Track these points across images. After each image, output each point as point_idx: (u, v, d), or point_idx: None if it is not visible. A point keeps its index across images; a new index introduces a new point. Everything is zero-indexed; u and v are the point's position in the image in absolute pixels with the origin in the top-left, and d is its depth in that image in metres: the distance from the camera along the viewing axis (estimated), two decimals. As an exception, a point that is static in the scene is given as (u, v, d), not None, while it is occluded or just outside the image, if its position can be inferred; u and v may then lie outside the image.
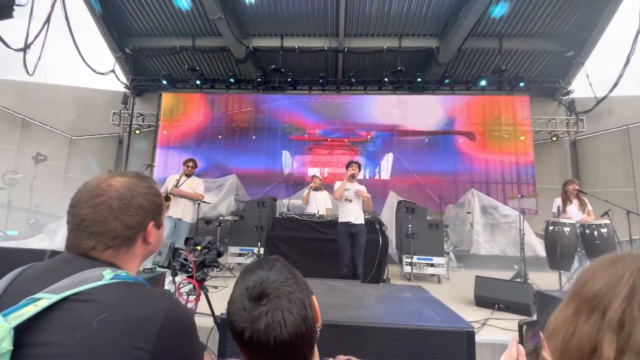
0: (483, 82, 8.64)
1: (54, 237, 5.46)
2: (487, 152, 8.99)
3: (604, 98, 7.90)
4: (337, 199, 4.12)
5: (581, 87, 8.68)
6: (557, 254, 3.81)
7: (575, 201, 4.25)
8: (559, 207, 4.20)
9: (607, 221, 3.90)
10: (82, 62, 6.88)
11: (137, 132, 9.75)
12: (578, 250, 3.95)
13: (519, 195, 4.93)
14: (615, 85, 7.31)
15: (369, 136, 9.34)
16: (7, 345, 0.53)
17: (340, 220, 4.07)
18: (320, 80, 9.01)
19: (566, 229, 3.92)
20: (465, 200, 7.41)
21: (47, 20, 4.84)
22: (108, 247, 0.71)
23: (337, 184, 4.16)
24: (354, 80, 8.94)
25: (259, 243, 5.18)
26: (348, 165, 4.10)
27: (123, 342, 0.59)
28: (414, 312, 1.77)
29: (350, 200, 4.04)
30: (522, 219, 4.60)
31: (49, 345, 0.57)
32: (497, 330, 2.90)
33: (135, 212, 0.75)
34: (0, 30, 4.28)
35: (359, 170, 4.15)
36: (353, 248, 3.94)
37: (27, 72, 4.89)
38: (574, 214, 4.19)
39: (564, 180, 4.57)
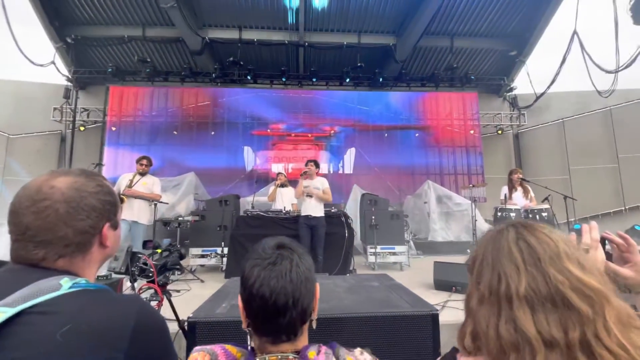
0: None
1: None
2: (441, 146, 9.54)
3: (542, 94, 8.72)
4: (298, 197, 4.50)
5: (523, 84, 9.50)
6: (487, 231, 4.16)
7: (519, 189, 4.67)
8: (505, 194, 4.59)
9: (547, 206, 4.34)
10: (19, 52, 6.14)
11: (82, 128, 8.92)
12: (523, 233, 4.34)
13: (470, 185, 5.31)
14: (553, 82, 8.09)
15: (333, 131, 9.44)
16: None
17: (302, 214, 4.44)
18: (283, 78, 8.90)
19: (512, 214, 4.30)
20: (422, 191, 7.80)
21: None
22: (60, 256, 0.65)
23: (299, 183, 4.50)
24: (315, 76, 8.94)
25: (223, 243, 5.03)
26: (306, 164, 4.49)
27: (92, 354, 0.55)
28: (383, 300, 1.84)
29: (310, 196, 4.37)
30: (473, 207, 4.94)
31: None
32: (456, 312, 3.11)
33: (87, 215, 0.67)
34: None
35: (315, 168, 4.50)
36: (313, 238, 4.29)
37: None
38: (518, 200, 4.59)
39: (509, 170, 5.00)
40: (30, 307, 0.55)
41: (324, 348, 0.72)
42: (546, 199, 4.48)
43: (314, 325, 0.77)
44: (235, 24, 8.45)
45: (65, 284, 0.60)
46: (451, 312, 3.09)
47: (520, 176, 4.67)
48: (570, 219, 4.79)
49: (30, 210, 0.63)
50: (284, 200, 5.38)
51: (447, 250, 6.69)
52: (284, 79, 9.02)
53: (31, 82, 8.97)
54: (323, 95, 9.62)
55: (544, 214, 4.26)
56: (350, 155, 9.38)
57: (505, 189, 4.71)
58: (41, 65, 7.28)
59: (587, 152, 8.78)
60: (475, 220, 4.98)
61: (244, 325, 0.73)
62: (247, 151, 9.15)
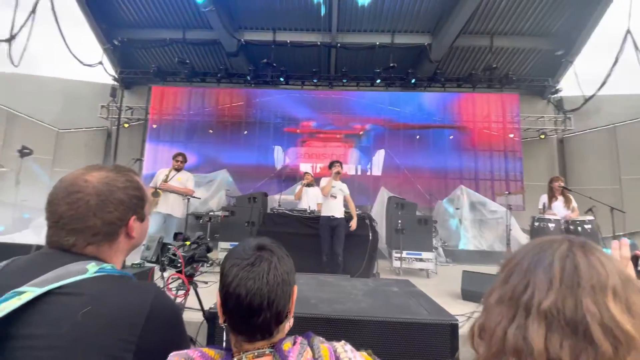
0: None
1: (41, 232, 5.34)
2: (477, 149, 9.12)
3: (592, 97, 8.05)
4: (324, 195, 4.45)
5: (570, 85, 8.84)
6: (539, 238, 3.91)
7: (560, 198, 4.36)
8: (544, 203, 4.31)
9: (591, 217, 4.02)
10: (69, 53, 6.71)
11: (126, 125, 9.57)
12: (562, 245, 4.05)
13: (507, 192, 5.03)
14: (604, 84, 7.44)
15: (363, 130, 9.37)
16: None
17: (323, 214, 4.43)
18: (314, 79, 8.96)
19: (551, 225, 4.02)
20: (455, 196, 7.51)
21: (33, 10, 4.71)
22: (88, 243, 0.71)
23: (323, 181, 4.50)
24: (346, 77, 8.91)
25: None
26: (331, 165, 4.45)
27: (108, 335, 0.59)
28: (400, 306, 1.81)
29: (335, 197, 4.38)
30: (508, 215, 4.69)
31: (34, 338, 0.57)
32: (482, 323, 2.96)
33: (115, 208, 0.73)
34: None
35: (341, 168, 4.51)
36: (333, 238, 4.28)
37: (13, 63, 4.76)
38: (559, 210, 4.29)
39: (550, 178, 4.67)
40: (58, 288, 0.61)
41: (299, 339, 0.73)
42: (590, 209, 4.15)
43: (290, 324, 0.78)
44: (270, 26, 8.65)
45: (92, 269, 0.66)
46: (477, 323, 2.96)
47: (562, 184, 4.36)
48: (618, 232, 4.39)
49: (65, 201, 0.70)
50: (310, 199, 5.43)
51: (478, 259, 6.39)
52: (315, 80, 9.08)
53: (80, 81, 9.73)
54: (353, 96, 9.58)
55: (587, 227, 3.94)
56: (379, 156, 9.25)
57: (544, 198, 4.42)
58: (90, 66, 7.89)
59: (642, 160, 8.00)
60: (510, 230, 4.72)
61: (220, 321, 0.74)
62: (277, 150, 9.33)
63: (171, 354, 0.71)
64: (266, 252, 0.73)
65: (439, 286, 4.30)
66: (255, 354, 0.69)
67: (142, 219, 0.81)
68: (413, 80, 8.90)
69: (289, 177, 8.93)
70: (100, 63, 8.56)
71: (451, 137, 9.29)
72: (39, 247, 1.94)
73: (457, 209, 7.27)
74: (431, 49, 8.51)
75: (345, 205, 4.58)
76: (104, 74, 9.09)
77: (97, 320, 0.60)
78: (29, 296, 0.58)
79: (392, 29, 8.58)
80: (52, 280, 0.61)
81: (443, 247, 6.68)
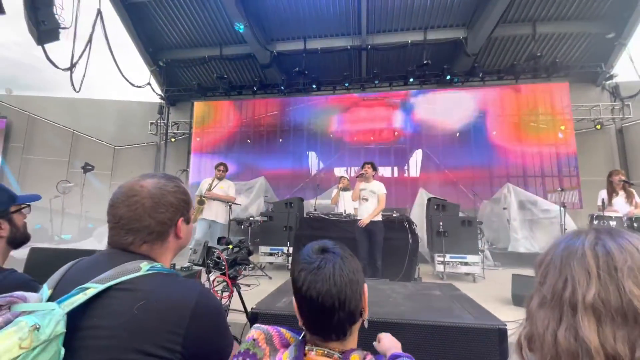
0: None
1: (102, 239, 5.94)
2: (524, 145, 8.50)
3: (651, 81, 7.22)
4: (354, 200, 4.43)
5: (625, 70, 7.97)
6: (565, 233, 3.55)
7: (621, 193, 3.93)
8: (603, 199, 3.91)
9: (659, 213, 3.58)
10: (121, 76, 7.39)
11: (173, 139, 10.30)
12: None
13: (559, 189, 4.64)
14: (664, 65, 6.65)
15: (397, 132, 9.20)
16: (61, 328, 0.62)
17: (358, 217, 4.34)
18: (346, 83, 8.97)
19: (612, 223, 3.63)
20: (501, 195, 7.06)
21: (89, 40, 5.28)
22: (144, 242, 0.79)
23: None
24: (378, 78, 8.81)
25: (288, 242, 5.29)
26: (362, 167, 4.39)
27: (159, 327, 0.66)
28: (443, 310, 1.75)
29: (367, 200, 4.27)
30: (563, 213, 4.32)
31: (97, 329, 0.65)
32: (536, 331, 2.76)
33: (166, 209, 0.82)
34: (48, 52, 4.74)
35: (372, 170, 4.36)
36: (370, 243, 4.14)
37: (74, 89, 5.35)
38: (620, 206, 3.87)
39: (609, 172, 4.24)
40: (117, 284, 0.69)
41: (369, 357, 0.73)
42: (659, 205, 3.70)
43: (366, 325, 0.79)
44: (300, 35, 8.85)
45: (145, 267, 0.73)
46: (531, 330, 2.75)
47: (623, 178, 3.92)
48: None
49: (125, 204, 0.80)
50: (346, 203, 5.42)
51: (530, 262, 5.95)
52: (346, 84, 9.09)
53: (131, 101, 10.66)
54: (386, 97, 9.44)
55: (657, 223, 3.52)
56: (416, 157, 8.99)
57: (603, 193, 4.01)
58: (139, 87, 8.62)
59: None
60: (566, 229, 4.33)
61: (300, 323, 0.78)
62: (312, 156, 9.46)
63: (254, 325, 0.81)
64: (329, 254, 0.76)
65: (486, 291, 4.07)
66: (325, 352, 0.73)
67: (188, 220, 0.89)
68: (448, 77, 8.57)
69: (324, 182, 8.98)
70: (149, 84, 9.31)
71: (494, 132, 8.78)
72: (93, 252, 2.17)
73: (505, 208, 6.83)
74: (467, 42, 8.16)
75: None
76: (152, 93, 9.90)
77: (149, 314, 0.67)
78: (93, 291, 0.66)
79: (424, 25, 8.37)
80: (111, 277, 0.69)
81: (490, 249, 6.31)
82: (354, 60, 9.23)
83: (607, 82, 8.47)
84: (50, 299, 0.69)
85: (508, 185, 6.99)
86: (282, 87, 9.35)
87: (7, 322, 0.60)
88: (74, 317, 0.64)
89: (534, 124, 8.56)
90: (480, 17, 7.61)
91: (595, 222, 3.77)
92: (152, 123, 10.30)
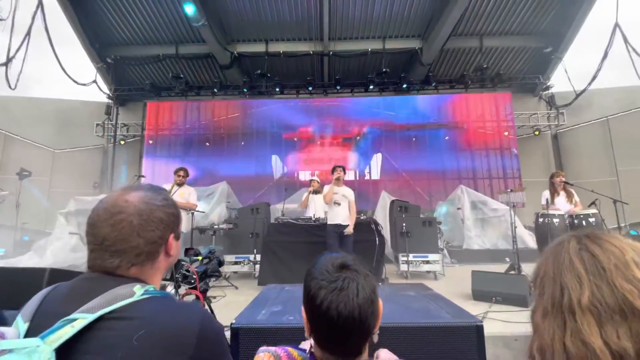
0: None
1: (43, 254, 5.27)
2: (473, 149, 9.22)
3: (583, 91, 8.22)
4: (327, 203, 4.37)
5: (560, 81, 9.01)
6: (549, 244, 3.92)
7: (562, 193, 4.39)
8: (547, 199, 4.34)
9: (594, 210, 4.05)
10: (63, 73, 6.70)
11: (122, 142, 9.54)
12: (568, 240, 4.07)
13: (509, 190, 5.06)
14: (594, 78, 7.60)
15: (360, 133, 9.43)
16: None
17: (330, 222, 4.34)
18: (309, 87, 9.02)
19: (556, 220, 4.05)
20: (455, 196, 7.55)
21: (28, 33, 4.73)
22: (132, 264, 0.70)
23: (326, 188, 4.43)
24: (339, 84, 8.99)
25: (255, 250, 5.14)
26: (333, 170, 4.37)
27: (163, 357, 0.59)
28: (421, 310, 1.80)
29: (339, 204, 4.28)
30: (512, 213, 4.72)
31: None
32: (496, 323, 2.96)
33: (156, 227, 0.73)
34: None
35: (344, 174, 4.43)
36: (342, 247, 4.16)
37: (10, 86, 4.74)
38: (562, 205, 4.32)
39: (548, 173, 4.72)
40: (109, 313, 0.60)
41: None
42: (593, 203, 4.19)
43: (375, 339, 0.77)
44: (262, 37, 8.74)
45: (138, 291, 0.65)
46: (492, 323, 2.95)
47: (563, 179, 4.39)
48: (622, 224, 4.44)
49: (108, 223, 0.69)
50: (317, 207, 5.39)
51: (483, 258, 6.41)
52: (310, 88, 9.14)
53: (74, 100, 9.70)
54: (348, 103, 9.66)
55: (592, 220, 3.97)
56: (376, 160, 9.30)
57: (546, 194, 4.45)
58: (84, 85, 7.89)
59: (637, 151, 8.12)
60: (515, 227, 4.74)
61: (307, 334, 0.75)
62: (275, 159, 9.34)
63: (261, 348, 0.75)
64: (351, 272, 0.72)
65: (448, 288, 4.29)
66: None
67: (178, 236, 0.81)
68: (405, 85, 9.00)
69: (289, 185, 8.92)
70: (94, 82, 8.56)
71: (447, 137, 9.39)
72: (53, 270, 1.91)
73: (459, 208, 7.30)
74: (422, 52, 8.64)
75: None
76: (98, 92, 9.09)
77: (151, 343, 0.59)
78: (82, 323, 0.57)
79: (383, 34, 8.71)
80: (102, 305, 0.60)
81: (447, 248, 6.68)
82: (317, 66, 9.32)
83: (544, 92, 9.49)
84: (28, 333, 0.59)
85: (461, 187, 7.49)
86: (245, 90, 9.12)
87: None
88: (62, 354, 0.55)
89: (481, 130, 9.30)
90: (434, 30, 8.11)
91: (541, 219, 4.17)
92: (98, 124, 9.46)
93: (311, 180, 5.78)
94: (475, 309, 3.31)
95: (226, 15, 8.14)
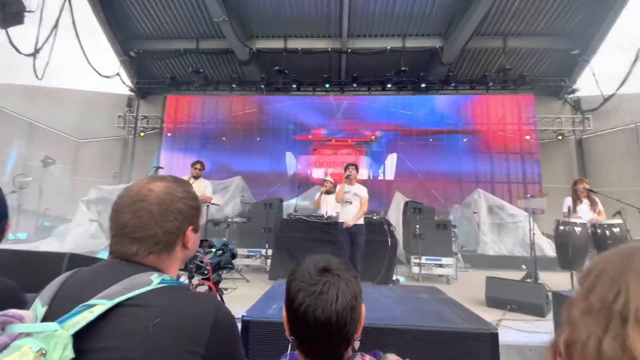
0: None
1: (63, 240, 5.48)
2: (492, 152, 8.98)
3: (611, 96, 7.86)
4: (339, 202, 4.31)
5: (587, 85, 8.65)
6: (569, 253, 3.78)
7: (585, 200, 4.21)
8: (569, 206, 4.17)
9: (619, 221, 3.87)
10: (88, 65, 6.91)
11: (142, 134, 9.78)
12: (590, 250, 3.92)
13: (528, 195, 4.91)
14: (624, 82, 7.26)
15: (374, 136, 9.34)
16: (70, 353, 0.53)
17: (341, 220, 4.25)
18: (326, 84, 8.98)
19: (577, 229, 3.89)
20: (471, 200, 7.38)
21: (55, 25, 4.89)
22: (150, 252, 0.71)
23: (338, 188, 4.36)
24: (356, 81, 8.91)
25: (267, 244, 5.18)
26: (346, 168, 4.29)
27: (177, 345, 0.59)
28: (434, 314, 1.76)
29: (350, 202, 4.20)
30: (531, 219, 4.57)
31: (110, 351, 0.57)
32: (510, 331, 2.88)
33: (175, 217, 0.73)
34: (11, 35, 4.32)
35: (357, 172, 4.33)
36: (352, 246, 4.07)
37: (37, 76, 4.92)
38: (584, 213, 4.15)
39: (571, 180, 4.55)
40: (127, 300, 0.60)
41: (367, 357, 0.70)
42: (618, 212, 4.00)
43: (357, 346, 0.75)
44: (281, 34, 8.75)
45: (155, 280, 0.65)
46: (506, 331, 2.87)
47: (587, 186, 4.21)
48: (649, 236, 4.23)
49: (130, 210, 0.71)
50: (329, 206, 5.38)
51: (498, 264, 6.25)
52: (327, 85, 9.09)
53: (98, 92, 9.99)
54: (365, 101, 9.57)
55: (616, 230, 3.79)
56: (391, 160, 9.19)
57: (568, 201, 4.28)
58: (107, 77, 8.11)
59: (667, 160, 7.73)
60: (534, 234, 4.59)
61: (287, 334, 0.73)
62: (289, 156, 9.37)
63: None
64: (333, 277, 0.69)
65: (461, 293, 4.20)
66: None
67: (197, 229, 0.81)
68: (423, 84, 8.84)
69: (302, 183, 8.95)
70: (117, 74, 8.79)
71: (465, 140, 9.18)
72: (72, 256, 1.97)
73: (475, 212, 7.14)
74: (443, 51, 8.47)
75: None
76: (121, 84, 9.33)
77: (166, 331, 0.59)
78: (101, 309, 0.58)
79: (403, 32, 8.58)
80: (120, 292, 0.61)
81: (462, 252, 6.56)
82: (334, 63, 9.27)
83: (569, 96, 9.13)
84: (45, 318, 0.60)
85: (478, 190, 7.32)
86: (262, 86, 9.17)
87: (4, 347, 0.50)
88: (79, 339, 0.56)
89: (501, 132, 9.05)
90: (455, 29, 7.93)
91: (561, 227, 4.02)
92: (119, 116, 9.72)
93: (324, 180, 5.76)
94: (488, 315, 3.21)
95: (246, 11, 8.19)
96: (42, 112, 8.86)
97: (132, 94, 9.80)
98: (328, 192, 5.52)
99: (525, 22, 8.14)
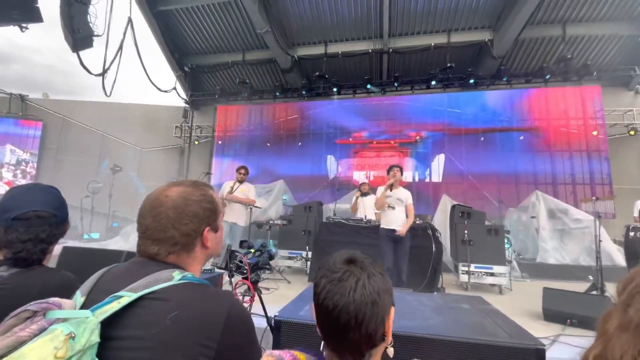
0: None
1: (128, 238, 6.15)
2: (553, 150, 8.14)
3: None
4: (378, 209, 4.10)
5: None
6: (644, 264, 3.30)
7: (664, 203, 3.66)
8: (643, 210, 3.65)
9: None
10: (149, 81, 7.65)
11: (196, 143, 10.57)
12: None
13: (594, 198, 4.39)
14: None
15: (418, 137, 9.02)
16: (96, 337, 0.60)
17: (383, 226, 4.05)
18: (368, 86, 8.88)
19: (655, 236, 3.39)
20: (529, 203, 6.78)
21: (120, 47, 5.50)
22: (169, 252, 0.78)
23: (379, 191, 4.12)
24: (398, 81, 8.67)
25: (307, 247, 5.27)
26: (389, 170, 4.08)
27: (191, 339, 0.64)
28: (474, 325, 1.66)
29: (394, 207, 3.98)
30: (597, 224, 4.07)
31: (130, 339, 0.64)
32: (569, 348, 2.59)
33: (190, 220, 0.79)
34: (82, 58, 4.97)
35: (401, 174, 4.10)
36: (396, 254, 3.89)
37: (105, 93, 5.58)
38: (664, 218, 3.60)
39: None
40: (149, 293, 0.67)
41: None
42: None
43: (391, 353, 0.73)
44: (321, 39, 8.88)
45: (176, 276, 0.72)
46: (564, 348, 2.59)
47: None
48: None
49: (150, 214, 0.79)
50: (366, 208, 5.33)
51: (560, 274, 5.66)
52: (368, 86, 8.99)
53: (157, 105, 11.03)
54: (408, 100, 9.28)
55: None
56: (438, 162, 8.77)
57: (639, 204, 3.75)
58: (165, 91, 8.90)
59: None
60: (600, 241, 4.08)
61: (318, 331, 0.74)
62: (330, 160, 9.44)
63: (266, 352, 0.75)
64: (356, 268, 0.70)
65: (514, 304, 3.89)
66: None
67: (215, 229, 0.86)
68: (472, 80, 8.34)
69: (343, 186, 8.95)
70: (174, 88, 9.59)
71: (521, 137, 8.45)
72: (129, 253, 2.20)
73: (533, 217, 6.54)
74: (493, 44, 7.93)
75: None
76: (177, 97, 10.18)
77: (181, 325, 0.65)
78: (127, 300, 0.65)
79: (448, 28, 8.21)
80: (143, 286, 0.68)
81: (517, 260, 6.04)
82: (375, 64, 9.16)
83: (642, 86, 7.99)
84: (83, 306, 0.68)
85: (537, 193, 6.71)
86: (303, 92, 9.38)
87: (42, 330, 0.59)
88: (106, 326, 0.63)
89: (564, 129, 8.18)
90: (507, 19, 7.38)
91: (632, 233, 3.52)
92: (176, 126, 10.61)
93: (361, 184, 5.71)
94: (544, 330, 2.94)
95: (287, 19, 8.46)
96: (111, 125, 10.02)
97: (187, 105, 10.64)
98: (364, 195, 5.45)
99: (586, 7, 7.30)
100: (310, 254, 5.13)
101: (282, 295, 3.98)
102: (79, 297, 0.70)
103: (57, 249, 2.33)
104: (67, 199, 1.16)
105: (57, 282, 1.01)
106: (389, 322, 0.70)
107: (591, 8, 7.34)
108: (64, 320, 0.61)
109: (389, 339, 0.71)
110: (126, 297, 0.65)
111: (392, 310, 0.71)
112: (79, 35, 4.88)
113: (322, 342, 0.74)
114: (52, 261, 1.13)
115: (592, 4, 7.26)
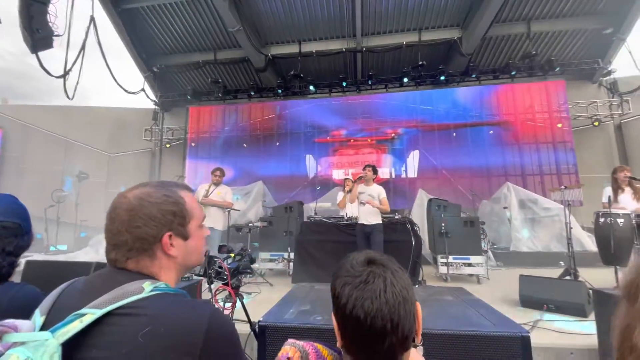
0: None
1: (98, 249, 5.81)
2: (522, 143, 8.52)
3: (651, 75, 7.25)
4: (351, 202, 4.39)
5: (624, 65, 7.99)
6: (612, 247, 3.48)
7: (627, 189, 3.88)
8: (609, 196, 3.86)
9: (668, 209, 3.54)
10: (115, 83, 7.27)
11: (168, 145, 10.17)
12: (635, 243, 3.59)
13: (563, 187, 4.60)
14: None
15: (394, 134, 9.16)
16: None
17: (358, 222, 4.32)
18: (343, 83, 8.92)
19: (620, 220, 3.59)
20: (501, 194, 7.04)
21: (83, 47, 5.18)
22: (127, 258, 0.69)
23: (353, 189, 4.41)
24: (372, 79, 8.77)
25: (289, 248, 5.19)
26: (364, 169, 4.33)
27: (168, 356, 0.57)
28: (459, 316, 1.67)
29: (364, 204, 4.22)
30: (567, 212, 4.27)
31: None
32: (549, 333, 2.69)
33: (144, 223, 0.70)
34: (42, 60, 4.63)
35: (372, 173, 4.32)
36: (369, 247, 4.01)
37: (68, 96, 5.23)
38: (627, 203, 3.82)
39: (610, 168, 4.20)
40: (117, 309, 0.59)
41: None
42: (667, 200, 3.65)
43: (420, 352, 0.69)
44: (295, 38, 8.80)
45: (147, 287, 0.64)
46: (543, 333, 2.68)
47: (628, 174, 3.88)
48: None
49: (109, 217, 0.72)
50: (352, 206, 5.31)
51: (533, 262, 5.91)
52: (344, 84, 9.03)
53: (125, 108, 10.54)
54: (383, 99, 9.41)
55: (665, 220, 3.47)
56: (413, 157, 8.95)
57: (608, 190, 3.96)
58: (133, 93, 8.51)
59: None
60: (571, 228, 4.28)
61: (339, 344, 0.68)
62: (309, 159, 9.39)
63: (288, 340, 0.72)
64: (378, 267, 0.66)
65: (493, 293, 4.00)
66: None
67: (182, 236, 0.75)
68: (443, 77, 8.56)
69: (323, 184, 8.93)
70: (142, 90, 9.19)
71: (491, 132, 8.78)
72: (98, 264, 2.05)
73: (505, 207, 6.80)
74: (462, 42, 8.17)
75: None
76: (146, 99, 9.76)
77: (156, 341, 0.57)
78: (90, 318, 0.57)
79: (418, 26, 8.37)
80: (110, 301, 0.60)
81: (492, 250, 6.25)
82: (350, 62, 9.20)
83: (605, 79, 8.50)
84: (43, 326, 0.60)
85: (508, 184, 6.98)
86: (279, 91, 9.27)
87: None
88: (70, 348, 0.55)
89: (530, 122, 8.58)
90: (474, 18, 7.63)
91: (602, 219, 3.72)
92: (146, 129, 10.16)
93: (345, 180, 5.71)
94: (523, 316, 3.04)
95: (260, 18, 8.32)
96: (77, 130, 9.46)
97: (157, 107, 10.23)
98: (350, 191, 5.45)
99: (550, 3, 7.67)
100: (292, 255, 5.05)
101: (265, 298, 3.88)
102: (39, 317, 0.62)
103: (20, 263, 2.15)
104: (29, 208, 1.05)
105: (23, 297, 0.91)
106: (419, 319, 0.67)
107: (555, 4, 7.70)
108: (22, 343, 0.53)
109: (419, 337, 0.68)
110: (90, 314, 0.57)
111: (418, 305, 0.68)
112: (38, 35, 4.53)
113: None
114: (15, 277, 1.02)
115: (556, 1, 7.62)
